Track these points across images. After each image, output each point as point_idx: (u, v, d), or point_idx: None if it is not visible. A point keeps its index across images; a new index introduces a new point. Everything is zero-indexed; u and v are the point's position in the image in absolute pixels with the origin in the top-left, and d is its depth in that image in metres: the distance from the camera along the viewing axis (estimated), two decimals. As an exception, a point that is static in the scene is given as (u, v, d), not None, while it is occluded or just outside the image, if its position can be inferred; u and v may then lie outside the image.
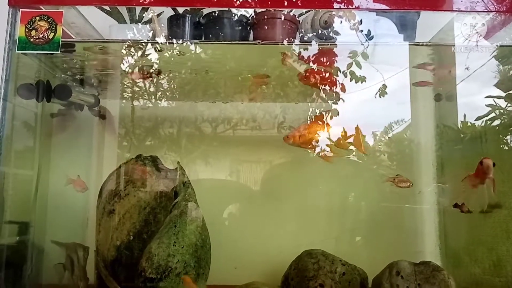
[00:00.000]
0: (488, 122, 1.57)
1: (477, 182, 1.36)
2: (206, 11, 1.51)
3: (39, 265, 1.53)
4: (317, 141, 1.49)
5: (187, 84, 1.78)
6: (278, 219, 1.68)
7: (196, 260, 1.27)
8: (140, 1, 1.35)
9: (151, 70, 1.54)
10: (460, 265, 1.56)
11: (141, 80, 1.54)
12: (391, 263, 1.30)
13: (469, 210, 1.43)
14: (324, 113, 1.53)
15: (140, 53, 1.51)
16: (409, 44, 1.50)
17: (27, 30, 1.25)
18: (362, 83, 1.63)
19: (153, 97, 1.79)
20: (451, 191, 1.68)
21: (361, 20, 1.44)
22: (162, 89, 1.78)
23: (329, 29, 1.45)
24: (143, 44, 1.49)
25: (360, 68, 1.59)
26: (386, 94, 1.60)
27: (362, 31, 1.46)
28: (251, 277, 1.39)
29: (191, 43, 1.47)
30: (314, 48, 1.55)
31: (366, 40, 1.47)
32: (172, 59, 1.50)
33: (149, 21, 1.58)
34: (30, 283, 1.45)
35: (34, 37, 1.25)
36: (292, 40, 1.49)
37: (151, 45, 1.48)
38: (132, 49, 1.52)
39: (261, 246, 1.63)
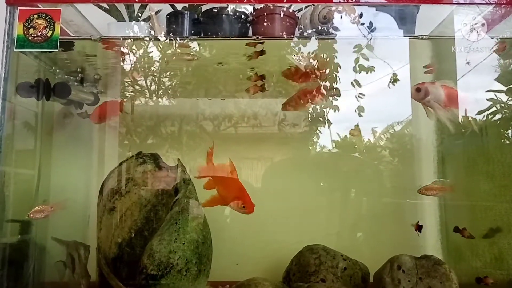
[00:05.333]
0: (489, 117, 1.56)
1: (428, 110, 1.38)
2: (204, 8, 1.51)
3: (41, 263, 1.53)
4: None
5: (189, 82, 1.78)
6: (279, 215, 1.68)
7: (198, 256, 1.27)
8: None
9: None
10: (461, 259, 1.56)
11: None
12: (392, 257, 1.30)
13: (471, 235, 1.42)
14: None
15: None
16: (409, 38, 1.50)
17: (25, 28, 1.25)
18: (371, 73, 1.62)
19: (154, 95, 1.79)
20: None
21: (361, 14, 1.44)
22: (163, 87, 1.78)
23: (329, 24, 1.44)
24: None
25: (368, 60, 1.59)
26: (398, 80, 1.58)
27: (363, 24, 1.45)
28: (252, 273, 1.38)
29: (190, 40, 1.47)
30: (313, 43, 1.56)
31: (369, 32, 1.46)
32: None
33: (148, 19, 1.58)
34: (32, 281, 1.45)
35: (32, 35, 1.25)
36: (292, 35, 1.48)
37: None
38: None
39: (262, 242, 1.63)
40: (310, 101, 1.50)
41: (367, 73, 1.60)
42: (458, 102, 1.40)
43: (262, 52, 1.46)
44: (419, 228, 1.47)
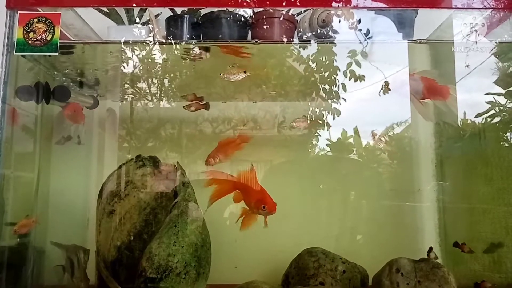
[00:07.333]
0: (488, 119, 1.57)
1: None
2: (204, 11, 1.52)
3: (40, 267, 1.53)
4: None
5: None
6: (278, 218, 1.68)
7: (197, 259, 1.28)
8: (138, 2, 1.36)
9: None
10: (460, 262, 1.56)
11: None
12: (391, 260, 1.30)
13: (471, 250, 1.42)
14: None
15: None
16: (408, 42, 1.50)
17: (25, 32, 1.26)
18: (361, 81, 1.63)
19: (154, 97, 1.80)
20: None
21: (359, 20, 1.45)
22: (164, 89, 1.79)
23: (327, 28, 1.45)
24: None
25: (360, 67, 1.59)
26: (390, 90, 1.59)
27: (360, 30, 1.46)
28: (251, 276, 1.39)
29: (189, 43, 1.48)
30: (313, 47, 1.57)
31: (365, 39, 1.47)
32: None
33: (147, 22, 1.58)
34: (31, 285, 1.45)
35: (32, 39, 1.26)
36: (291, 39, 1.49)
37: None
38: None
39: (261, 245, 1.63)
40: (230, 151, 1.58)
41: (355, 81, 1.62)
42: (438, 94, 1.40)
43: (206, 49, 1.47)
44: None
